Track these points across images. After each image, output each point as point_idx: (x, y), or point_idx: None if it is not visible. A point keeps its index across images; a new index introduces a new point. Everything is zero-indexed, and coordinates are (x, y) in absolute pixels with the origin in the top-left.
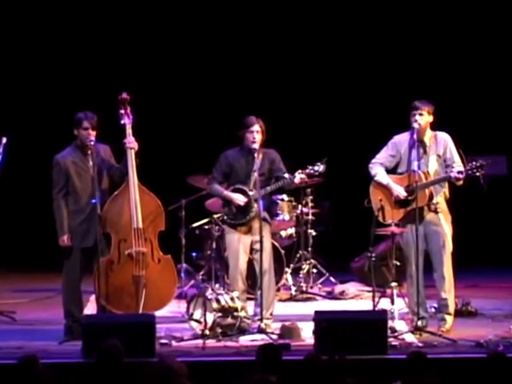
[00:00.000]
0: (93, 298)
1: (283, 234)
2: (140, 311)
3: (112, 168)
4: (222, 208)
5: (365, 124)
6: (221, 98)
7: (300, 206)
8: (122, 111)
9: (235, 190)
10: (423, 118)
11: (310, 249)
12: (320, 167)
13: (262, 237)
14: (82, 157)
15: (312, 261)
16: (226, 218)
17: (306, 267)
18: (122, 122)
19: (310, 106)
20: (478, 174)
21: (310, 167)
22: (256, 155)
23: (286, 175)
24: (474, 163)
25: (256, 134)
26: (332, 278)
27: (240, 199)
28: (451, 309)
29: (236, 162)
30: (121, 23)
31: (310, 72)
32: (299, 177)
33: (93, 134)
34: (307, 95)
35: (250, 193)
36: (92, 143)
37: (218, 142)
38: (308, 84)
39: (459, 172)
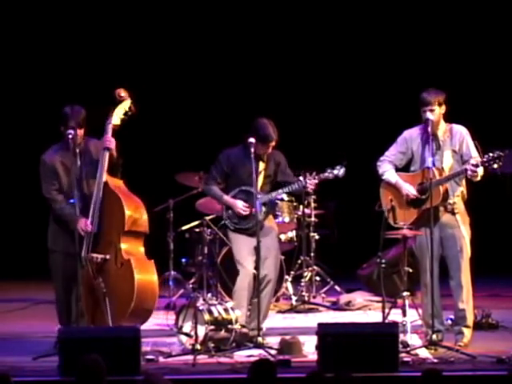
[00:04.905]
0: None
1: (283, 237)
2: (110, 322)
3: None
4: (224, 211)
5: (373, 117)
6: (210, 92)
7: (301, 207)
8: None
9: (241, 192)
10: (435, 112)
11: (312, 254)
12: (340, 171)
13: (259, 242)
14: (72, 157)
15: (315, 268)
16: (228, 222)
17: (308, 275)
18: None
19: (315, 101)
20: (495, 166)
21: (329, 170)
22: (264, 158)
23: (301, 178)
24: (490, 154)
25: (271, 148)
26: (337, 287)
27: (242, 208)
28: (469, 321)
29: (239, 163)
30: (113, 15)
31: (314, 69)
32: (313, 182)
33: (80, 133)
34: (311, 90)
35: (258, 196)
36: (78, 143)
37: (208, 137)
38: (312, 80)
39: (474, 165)
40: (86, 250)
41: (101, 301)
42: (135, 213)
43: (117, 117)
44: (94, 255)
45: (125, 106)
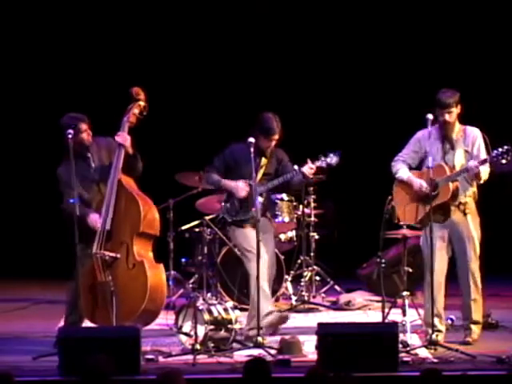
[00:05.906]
0: None
1: (283, 237)
2: (114, 321)
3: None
4: (223, 204)
5: (375, 115)
6: (210, 91)
7: (301, 207)
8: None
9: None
10: (452, 114)
11: (312, 254)
12: (333, 159)
13: (258, 241)
14: (84, 164)
15: (315, 267)
16: (226, 215)
17: (307, 274)
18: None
19: (317, 99)
20: (503, 161)
21: (322, 158)
22: (267, 154)
23: (296, 167)
24: (499, 149)
25: (273, 141)
26: (337, 287)
27: (243, 188)
28: (479, 317)
29: (243, 159)
30: (115, 15)
31: (317, 68)
32: (308, 167)
33: (89, 133)
34: (312, 88)
35: (256, 187)
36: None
37: (208, 137)
38: (314, 78)
39: (482, 160)
40: (98, 246)
41: (107, 299)
42: (150, 214)
43: (133, 114)
44: (106, 253)
45: (141, 104)
